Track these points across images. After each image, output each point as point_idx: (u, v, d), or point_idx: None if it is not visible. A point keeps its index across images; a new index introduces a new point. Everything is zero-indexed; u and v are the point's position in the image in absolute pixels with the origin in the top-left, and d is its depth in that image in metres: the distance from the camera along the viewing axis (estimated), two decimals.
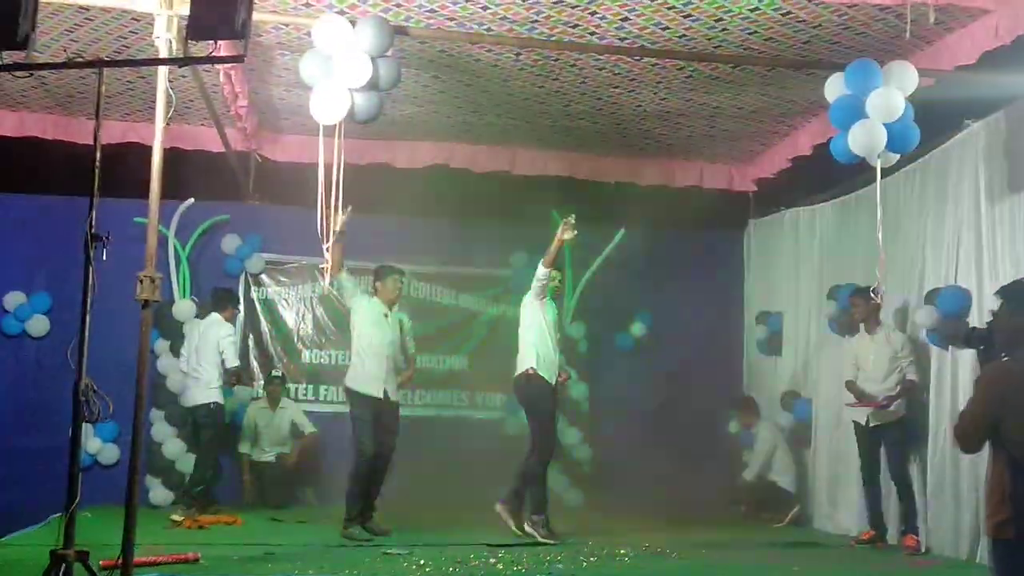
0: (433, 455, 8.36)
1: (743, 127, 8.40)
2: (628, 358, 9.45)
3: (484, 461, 8.53)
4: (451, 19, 6.24)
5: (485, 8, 6.07)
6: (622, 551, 6.52)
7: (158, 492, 8.45)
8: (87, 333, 4.27)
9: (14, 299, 8.72)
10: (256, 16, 4.88)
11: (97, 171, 4.32)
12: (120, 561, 4.74)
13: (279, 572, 5.63)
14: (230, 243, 9.12)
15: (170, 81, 5.38)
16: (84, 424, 4.29)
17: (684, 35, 6.39)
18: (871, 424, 7.07)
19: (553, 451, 7.16)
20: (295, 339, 9.30)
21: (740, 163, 9.52)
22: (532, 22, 6.27)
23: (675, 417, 9.17)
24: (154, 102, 5.34)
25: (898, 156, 6.08)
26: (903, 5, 5.54)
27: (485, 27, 6.35)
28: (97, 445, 8.45)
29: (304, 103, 5.89)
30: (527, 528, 6.94)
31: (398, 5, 6.05)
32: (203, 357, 7.90)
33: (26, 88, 7.78)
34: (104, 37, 6.65)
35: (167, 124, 5.34)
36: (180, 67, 5.65)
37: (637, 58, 6.80)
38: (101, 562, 4.75)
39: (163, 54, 5.29)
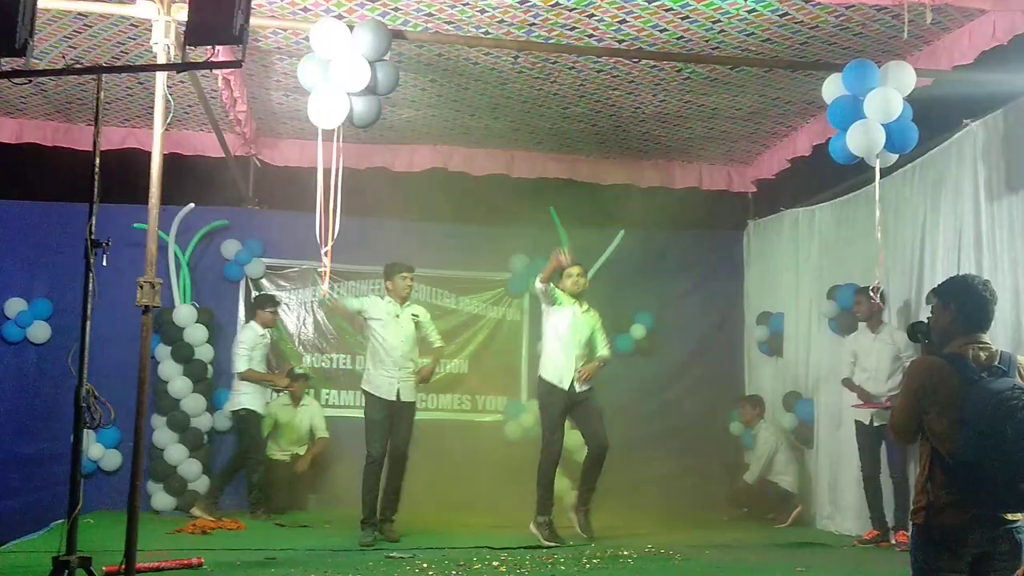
0: (435, 458, 8.37)
1: (742, 128, 8.41)
2: (628, 359, 9.45)
3: (486, 464, 8.55)
4: (449, 23, 6.25)
5: (482, 12, 6.08)
6: (625, 553, 6.52)
7: (160, 498, 8.44)
8: (87, 339, 4.27)
9: (15, 305, 8.71)
10: (254, 21, 4.90)
11: (97, 177, 4.32)
12: (123, 567, 4.76)
13: None
14: (230, 248, 9.12)
15: (169, 87, 5.39)
16: (86, 430, 4.30)
17: (682, 37, 6.40)
18: (875, 424, 7.08)
19: (550, 454, 7.12)
20: (296, 343, 9.31)
21: (739, 164, 9.52)
22: (530, 25, 6.28)
23: (676, 418, 9.18)
24: (153, 108, 5.34)
25: (896, 156, 6.08)
26: (900, 5, 5.54)
27: (483, 30, 6.36)
28: (99, 451, 8.45)
29: (303, 107, 5.89)
30: (532, 529, 6.94)
31: (396, 9, 6.06)
32: (234, 365, 8.18)
33: (25, 95, 7.79)
34: (103, 43, 6.66)
35: (166, 129, 5.34)
36: (178, 73, 5.66)
37: (635, 60, 6.81)
38: (104, 568, 4.78)
39: (161, 60, 5.30)
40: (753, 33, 6.33)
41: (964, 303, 3.44)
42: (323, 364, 9.31)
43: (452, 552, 6.48)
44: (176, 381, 8.57)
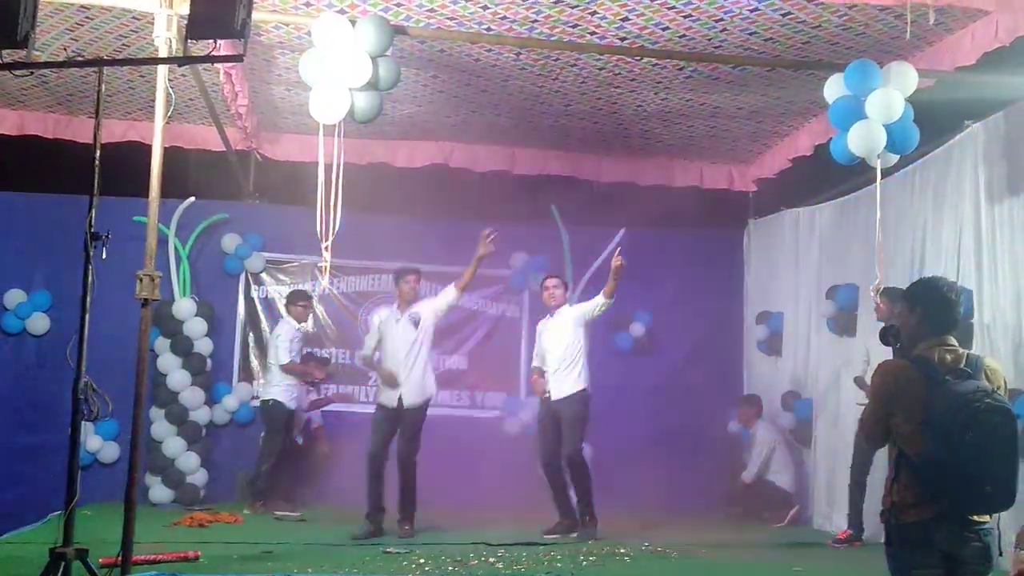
0: (433, 454, 8.34)
1: (743, 127, 8.41)
2: (627, 358, 9.45)
3: (484, 460, 8.55)
4: (451, 18, 6.24)
5: (485, 8, 6.08)
6: (622, 551, 6.53)
7: (157, 490, 8.46)
8: (86, 332, 4.28)
9: (14, 297, 8.73)
10: (256, 15, 4.89)
11: (97, 171, 4.32)
12: (120, 559, 4.76)
13: (279, 571, 5.63)
14: (230, 242, 9.13)
15: (170, 80, 5.39)
16: (84, 422, 4.31)
17: (684, 35, 6.39)
18: None
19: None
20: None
21: (740, 163, 9.52)
22: (532, 22, 6.27)
23: (675, 417, 9.18)
24: (154, 101, 5.34)
25: (898, 157, 6.09)
26: (903, 6, 5.54)
27: (485, 27, 6.36)
28: (97, 443, 8.47)
29: (304, 102, 5.89)
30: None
31: (398, 4, 6.05)
32: (269, 356, 8.33)
33: (27, 87, 7.79)
34: (104, 36, 6.65)
35: (167, 123, 5.34)
36: (180, 66, 5.65)
37: (637, 58, 6.80)
38: (101, 560, 4.77)
39: (163, 53, 5.30)
40: (755, 32, 6.32)
41: (931, 306, 3.47)
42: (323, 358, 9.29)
43: (449, 548, 6.49)
44: (175, 374, 8.59)
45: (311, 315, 8.73)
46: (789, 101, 7.64)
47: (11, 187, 8.87)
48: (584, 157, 9.29)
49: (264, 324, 9.27)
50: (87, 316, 4.26)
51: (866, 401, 7.00)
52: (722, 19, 6.14)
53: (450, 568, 5.80)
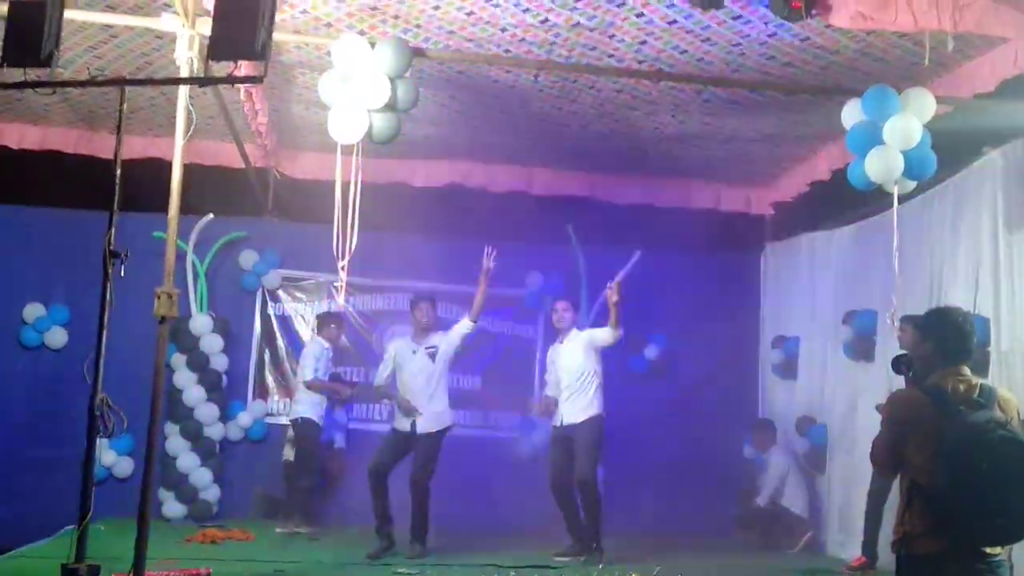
0: (445, 474, 8.33)
1: (761, 150, 8.40)
2: (642, 380, 9.42)
3: (496, 481, 8.53)
4: (470, 40, 6.28)
5: (503, 30, 6.11)
6: (633, 574, 6.49)
7: (171, 506, 8.47)
8: (103, 349, 4.30)
9: (33, 311, 8.79)
10: (277, 36, 4.94)
11: (118, 189, 4.37)
12: (131, 575, 4.77)
13: None
14: (247, 259, 9.18)
15: (191, 98, 5.44)
16: (99, 438, 4.33)
17: (702, 59, 6.41)
18: None
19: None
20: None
21: (757, 186, 9.51)
22: (550, 44, 6.30)
23: (689, 440, 9.14)
24: (175, 118, 5.39)
25: (915, 183, 6.07)
26: (922, 32, 5.53)
27: (503, 49, 6.39)
28: (112, 458, 8.49)
29: (323, 121, 5.93)
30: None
31: (417, 26, 6.09)
32: (297, 374, 8.37)
33: (49, 103, 7.85)
34: (127, 54, 6.72)
35: (187, 140, 5.39)
36: (201, 87, 5.71)
37: (655, 81, 6.81)
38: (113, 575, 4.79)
39: (184, 73, 5.35)
40: (773, 57, 6.33)
41: (945, 335, 3.47)
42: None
43: (460, 569, 6.48)
44: (190, 390, 8.62)
45: (341, 335, 8.67)
46: (807, 125, 7.63)
47: (32, 201, 8.94)
48: (601, 178, 9.29)
49: (280, 341, 9.30)
50: (104, 333, 4.28)
51: None
52: (740, 43, 6.15)
53: None
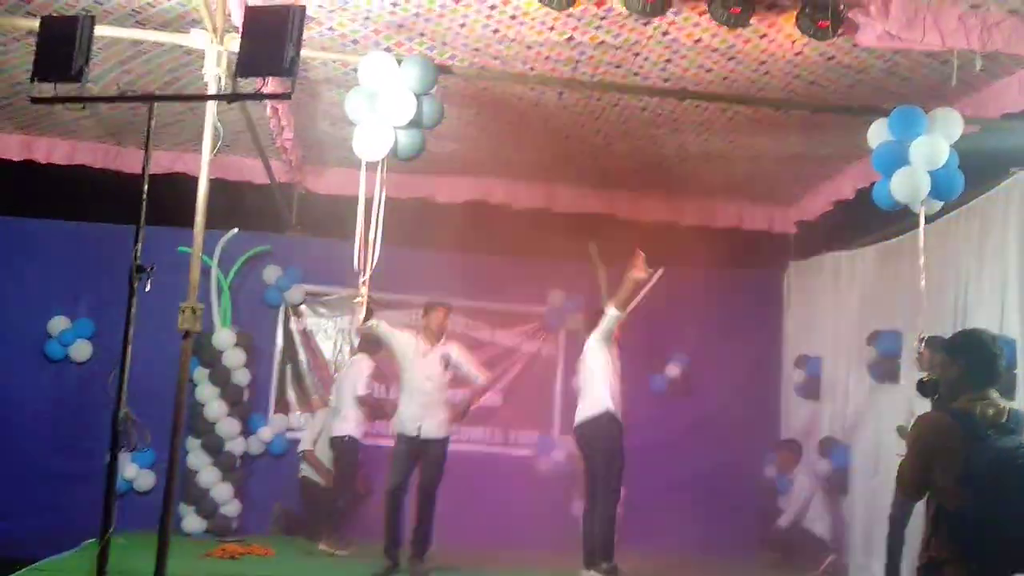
0: (464, 492, 8.31)
1: (785, 169, 8.37)
2: (663, 398, 9.37)
3: (515, 499, 8.50)
4: (495, 57, 6.30)
5: (529, 48, 6.13)
6: None
7: (191, 520, 8.48)
8: (128, 364, 4.32)
9: (58, 324, 8.84)
10: (304, 52, 4.95)
11: (144, 204, 4.39)
12: None
13: None
14: (271, 273, 9.22)
15: (218, 114, 5.47)
16: (121, 452, 4.34)
17: (727, 77, 6.40)
18: None
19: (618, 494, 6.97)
20: (332, 370, 9.32)
21: (781, 204, 9.47)
22: (576, 62, 6.31)
23: (711, 460, 9.08)
24: (202, 133, 5.43)
25: (941, 203, 6.02)
26: (949, 52, 5.51)
27: (528, 66, 6.41)
28: (133, 471, 8.51)
29: (348, 137, 5.96)
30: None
31: (443, 43, 6.12)
32: (343, 392, 8.27)
33: (78, 118, 7.93)
34: (155, 70, 6.78)
35: (214, 156, 5.42)
36: (229, 103, 5.74)
37: (680, 99, 6.81)
38: None
39: (212, 89, 5.39)
40: (799, 75, 6.31)
41: (973, 359, 3.43)
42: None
43: None
44: (212, 404, 8.63)
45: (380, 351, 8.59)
46: (832, 144, 7.60)
47: (59, 215, 9.01)
48: (624, 196, 9.28)
49: (302, 356, 9.32)
50: (129, 348, 4.29)
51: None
52: (765, 62, 6.14)
53: None
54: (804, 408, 9.27)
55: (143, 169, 4.40)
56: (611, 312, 6.96)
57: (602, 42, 5.98)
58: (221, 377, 8.71)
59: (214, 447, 8.60)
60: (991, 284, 6.54)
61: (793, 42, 5.79)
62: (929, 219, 6.19)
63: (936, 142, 5.73)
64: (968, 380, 3.42)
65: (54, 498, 8.27)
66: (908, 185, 5.75)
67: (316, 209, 9.29)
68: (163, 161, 8.50)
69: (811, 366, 9.06)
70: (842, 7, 5.25)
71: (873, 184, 6.21)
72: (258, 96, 4.73)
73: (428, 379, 7.18)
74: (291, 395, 9.26)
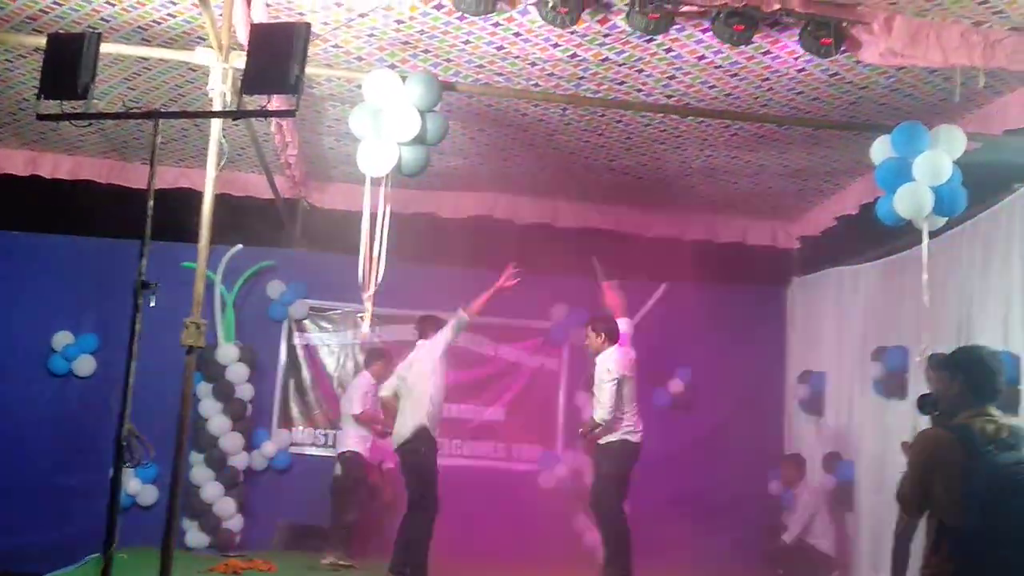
0: (467, 506, 8.30)
1: (788, 185, 8.38)
2: (666, 414, 9.36)
3: (517, 514, 8.48)
4: (499, 74, 6.32)
5: (533, 65, 6.15)
6: None
7: (194, 535, 8.47)
8: (131, 378, 4.32)
9: (62, 339, 8.85)
10: (309, 70, 4.98)
11: (149, 220, 4.40)
12: None
13: None
14: (275, 288, 9.23)
15: (223, 130, 5.50)
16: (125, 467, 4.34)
17: (730, 94, 6.42)
18: None
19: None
20: (335, 385, 9.33)
21: (784, 220, 9.48)
22: (579, 79, 6.33)
23: (714, 475, 9.06)
24: (206, 148, 5.45)
25: (945, 219, 6.02)
26: (952, 68, 5.53)
27: (532, 83, 6.43)
28: (137, 486, 8.51)
29: (352, 152, 5.98)
30: None
31: (448, 60, 6.15)
32: (344, 409, 8.38)
33: (83, 133, 7.97)
34: (160, 86, 6.82)
35: (218, 172, 5.43)
36: (234, 120, 5.77)
37: (683, 116, 6.83)
38: None
39: (217, 106, 5.41)
40: (802, 92, 6.33)
41: (973, 375, 3.44)
42: None
43: None
44: (215, 419, 8.64)
45: (388, 371, 8.56)
46: (835, 160, 7.62)
47: (63, 230, 9.04)
48: (627, 211, 9.29)
49: (306, 371, 9.32)
50: (133, 363, 4.30)
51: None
52: (768, 78, 6.16)
53: None
54: (808, 423, 9.25)
55: (148, 184, 4.41)
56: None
57: (606, 59, 6.01)
58: (224, 392, 8.71)
59: (217, 462, 8.59)
60: (995, 299, 6.53)
61: (796, 59, 5.81)
62: (933, 235, 6.19)
63: (939, 158, 5.74)
64: (968, 396, 3.43)
65: (57, 513, 8.27)
66: (911, 201, 5.75)
67: (320, 224, 9.30)
68: (168, 177, 8.52)
69: (815, 381, 9.05)
70: (845, 24, 5.28)
71: (876, 199, 6.23)
72: (263, 113, 4.76)
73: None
74: (294, 410, 9.26)
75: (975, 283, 6.80)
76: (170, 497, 5.05)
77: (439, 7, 5.46)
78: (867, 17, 5.24)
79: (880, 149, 5.98)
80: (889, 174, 5.89)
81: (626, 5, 5.27)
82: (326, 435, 9.18)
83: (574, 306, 9.36)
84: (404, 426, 6.92)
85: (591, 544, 7.95)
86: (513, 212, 9.21)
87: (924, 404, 3.64)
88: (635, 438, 7.03)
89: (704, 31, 5.49)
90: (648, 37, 5.58)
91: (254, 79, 4.33)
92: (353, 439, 8.21)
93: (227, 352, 8.78)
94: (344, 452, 8.23)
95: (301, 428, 9.19)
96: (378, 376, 8.31)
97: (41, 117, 4.52)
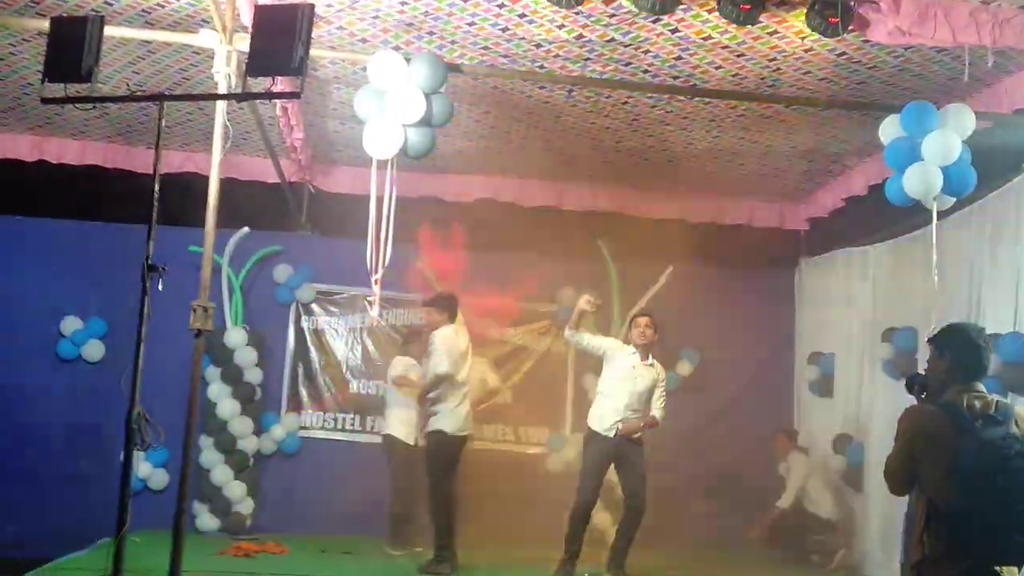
0: (474, 489, 8.31)
1: (796, 166, 8.35)
2: (674, 396, 9.32)
3: (526, 496, 8.49)
4: (504, 56, 6.29)
5: (538, 46, 6.12)
6: None
7: (204, 518, 8.51)
8: (141, 363, 4.33)
9: (71, 324, 8.87)
10: (313, 52, 4.96)
11: (156, 204, 4.40)
12: None
13: None
14: (282, 272, 9.23)
15: (228, 113, 5.49)
16: (135, 451, 4.35)
17: (738, 74, 6.38)
18: None
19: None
20: (344, 369, 9.35)
21: (792, 201, 9.45)
22: (585, 60, 6.30)
23: (722, 457, 9.07)
24: (211, 132, 5.44)
25: (954, 199, 5.99)
26: (961, 48, 5.48)
27: (538, 64, 6.40)
28: (147, 470, 8.54)
29: (358, 136, 5.96)
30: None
31: (452, 42, 6.12)
32: (388, 392, 8.23)
33: (88, 118, 7.96)
34: (165, 70, 6.80)
35: (223, 155, 5.43)
36: (239, 103, 5.76)
37: (689, 97, 6.79)
38: None
39: (222, 89, 5.40)
40: (810, 72, 6.29)
41: (960, 352, 3.45)
42: (369, 391, 9.32)
43: None
44: (224, 403, 8.66)
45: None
46: (843, 141, 7.58)
47: (70, 215, 9.04)
48: (634, 193, 9.26)
49: (313, 355, 9.33)
50: (142, 347, 4.31)
51: None
52: (775, 59, 6.12)
53: None
54: (817, 405, 9.24)
55: (154, 168, 4.41)
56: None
57: (611, 39, 5.97)
58: (233, 376, 8.74)
59: (226, 445, 8.63)
60: (1005, 279, 6.50)
61: (803, 39, 5.77)
62: (942, 215, 6.17)
63: (948, 138, 5.71)
64: (956, 373, 3.45)
65: (68, 497, 8.31)
66: (921, 181, 5.73)
67: (326, 208, 9.30)
68: (173, 161, 8.53)
69: (824, 363, 9.04)
70: (852, 3, 5.24)
71: (885, 180, 6.20)
72: (268, 95, 4.75)
73: (636, 391, 7.02)
74: (303, 393, 9.27)
75: (985, 263, 6.77)
76: (180, 481, 5.08)
77: None
78: None
79: (889, 129, 5.95)
80: (898, 154, 5.86)
81: None
82: (335, 418, 9.21)
83: (581, 289, 9.32)
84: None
85: (599, 526, 7.96)
86: (519, 195, 9.19)
87: (911, 384, 3.65)
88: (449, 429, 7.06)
89: (710, 11, 5.45)
90: (654, 17, 5.55)
91: (258, 61, 4.32)
92: (392, 420, 8.06)
93: (235, 336, 8.79)
94: (386, 434, 8.11)
95: (310, 411, 9.21)
96: (417, 356, 8.20)
97: (45, 101, 4.51)
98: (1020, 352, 6.08)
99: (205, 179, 5.46)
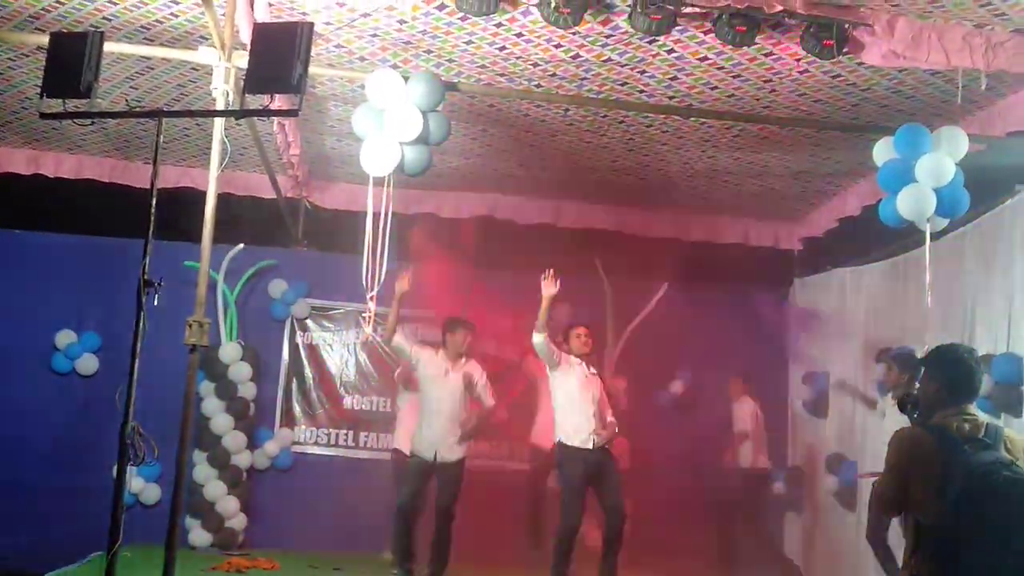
0: (466, 505, 8.29)
1: (790, 186, 8.38)
2: (667, 415, 9.35)
3: (518, 512, 8.46)
4: (502, 75, 6.33)
5: (535, 65, 6.15)
6: None
7: (196, 533, 8.48)
8: (135, 377, 4.33)
9: (65, 337, 8.86)
10: (311, 69, 4.98)
11: (152, 219, 4.41)
12: None
13: None
14: (277, 288, 9.24)
15: (225, 129, 5.51)
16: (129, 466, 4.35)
17: (733, 95, 6.42)
18: None
19: (570, 525, 6.88)
20: (338, 384, 9.34)
21: (787, 221, 9.48)
22: (581, 79, 6.34)
23: (716, 477, 9.06)
24: (209, 148, 5.46)
25: (947, 220, 6.02)
26: (954, 70, 5.53)
27: (535, 83, 6.43)
28: (139, 484, 8.51)
29: (355, 152, 5.99)
30: None
31: (450, 60, 6.15)
32: (399, 405, 8.20)
33: (86, 132, 7.98)
34: (163, 86, 6.83)
35: (220, 171, 5.44)
36: (237, 120, 5.77)
37: (685, 117, 6.83)
38: None
39: (220, 105, 5.42)
40: (805, 93, 6.33)
41: (950, 374, 3.43)
42: (363, 406, 9.32)
43: None
44: (218, 418, 8.64)
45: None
46: (838, 162, 7.62)
47: (66, 229, 9.05)
48: (629, 212, 9.28)
49: (307, 370, 9.32)
50: (136, 363, 4.31)
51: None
52: (771, 80, 6.16)
53: None
54: (811, 424, 9.25)
55: (151, 184, 4.42)
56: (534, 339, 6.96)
57: (608, 59, 6.01)
58: (227, 391, 8.72)
59: (220, 460, 8.60)
60: (998, 300, 6.52)
61: (798, 60, 5.81)
62: (935, 236, 6.20)
63: (941, 160, 5.74)
64: (945, 396, 3.43)
65: (61, 511, 8.26)
66: (914, 203, 5.76)
67: (322, 224, 9.33)
68: (170, 176, 8.53)
69: (818, 382, 9.05)
70: (847, 26, 5.28)
71: (879, 201, 6.22)
72: (266, 112, 4.76)
73: (449, 397, 7.12)
74: (297, 409, 9.27)
75: (978, 284, 6.80)
76: (173, 495, 5.07)
77: (441, 7, 5.47)
78: (869, 19, 5.25)
79: (882, 151, 5.98)
80: (891, 176, 5.89)
81: (628, 6, 5.28)
82: (329, 434, 9.20)
83: (576, 306, 9.34)
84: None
85: (593, 543, 7.94)
86: (515, 212, 9.21)
87: (904, 404, 3.63)
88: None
89: (707, 32, 5.49)
90: (650, 38, 5.59)
91: (257, 79, 4.34)
92: (398, 431, 8.05)
93: (230, 351, 8.79)
94: (392, 448, 8.09)
95: (304, 427, 9.20)
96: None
97: (44, 116, 4.53)
98: (1012, 372, 6.10)
99: (202, 194, 5.47)
